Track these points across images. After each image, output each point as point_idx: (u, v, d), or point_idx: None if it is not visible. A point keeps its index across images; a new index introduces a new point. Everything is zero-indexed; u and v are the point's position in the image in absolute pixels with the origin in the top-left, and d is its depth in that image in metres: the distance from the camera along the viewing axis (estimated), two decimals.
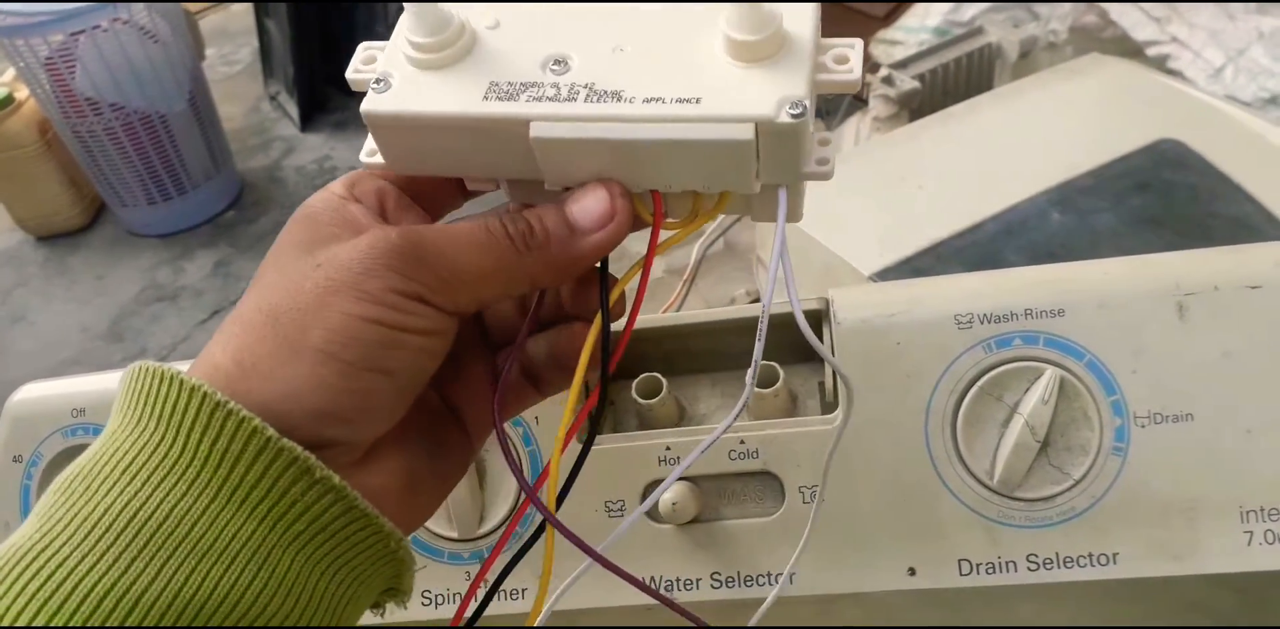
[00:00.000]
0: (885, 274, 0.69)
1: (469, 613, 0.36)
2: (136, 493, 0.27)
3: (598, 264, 0.34)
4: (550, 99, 0.32)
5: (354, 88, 0.34)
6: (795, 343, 0.49)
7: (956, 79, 1.08)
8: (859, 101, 1.10)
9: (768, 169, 0.32)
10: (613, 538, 0.36)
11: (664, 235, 0.34)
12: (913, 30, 1.45)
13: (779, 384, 0.46)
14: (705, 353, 0.50)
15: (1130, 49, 1.28)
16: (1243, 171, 0.77)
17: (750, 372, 0.35)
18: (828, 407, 0.47)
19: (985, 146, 0.84)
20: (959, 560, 0.44)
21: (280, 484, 0.28)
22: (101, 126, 2.06)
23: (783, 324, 0.48)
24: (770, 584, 0.45)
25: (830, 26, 0.32)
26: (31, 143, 2.14)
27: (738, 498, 0.46)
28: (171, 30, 2.08)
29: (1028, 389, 0.43)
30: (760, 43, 0.31)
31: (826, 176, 0.32)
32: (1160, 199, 0.75)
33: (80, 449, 0.51)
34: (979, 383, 0.44)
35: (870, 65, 1.30)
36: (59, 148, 2.17)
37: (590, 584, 0.40)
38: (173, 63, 2.09)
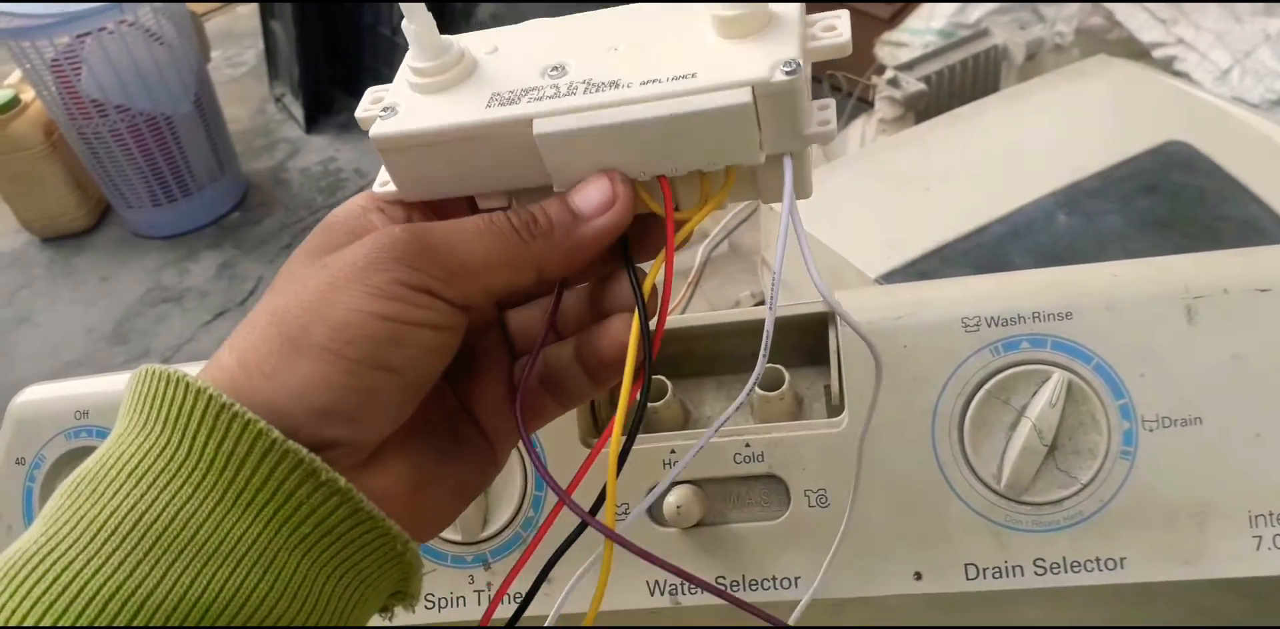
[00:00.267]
0: (891, 276, 0.68)
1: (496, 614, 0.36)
2: (142, 496, 0.27)
3: (625, 262, 0.34)
4: (550, 97, 0.32)
5: (365, 126, 0.35)
6: (801, 345, 0.49)
7: (963, 81, 1.07)
8: (865, 104, 1.10)
9: (771, 136, 0.32)
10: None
11: (669, 233, 0.34)
12: (918, 32, 1.45)
13: (784, 387, 0.46)
14: (710, 356, 0.50)
15: (1136, 51, 1.28)
16: (1250, 173, 0.77)
17: (760, 362, 0.34)
18: (834, 410, 0.47)
19: (992, 149, 0.84)
20: (966, 565, 0.43)
21: (286, 487, 0.28)
22: (107, 128, 2.07)
23: (789, 327, 0.48)
24: (776, 588, 0.45)
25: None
26: (37, 144, 2.15)
27: (743, 501, 0.46)
28: (177, 32, 2.09)
29: (1035, 392, 0.43)
30: (748, 16, 0.32)
31: (830, 136, 0.33)
32: (1168, 201, 0.75)
33: (83, 451, 0.51)
34: (986, 386, 0.43)
35: (876, 67, 1.29)
36: (64, 149, 2.18)
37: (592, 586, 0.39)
38: (178, 65, 2.10)
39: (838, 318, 0.46)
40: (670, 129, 0.31)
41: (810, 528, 0.44)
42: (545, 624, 0.38)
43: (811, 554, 0.44)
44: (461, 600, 0.48)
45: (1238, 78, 1.22)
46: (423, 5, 0.33)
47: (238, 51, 2.83)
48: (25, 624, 0.25)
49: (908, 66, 1.06)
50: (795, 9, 0.33)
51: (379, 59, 2.33)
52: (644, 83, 0.32)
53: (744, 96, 0.31)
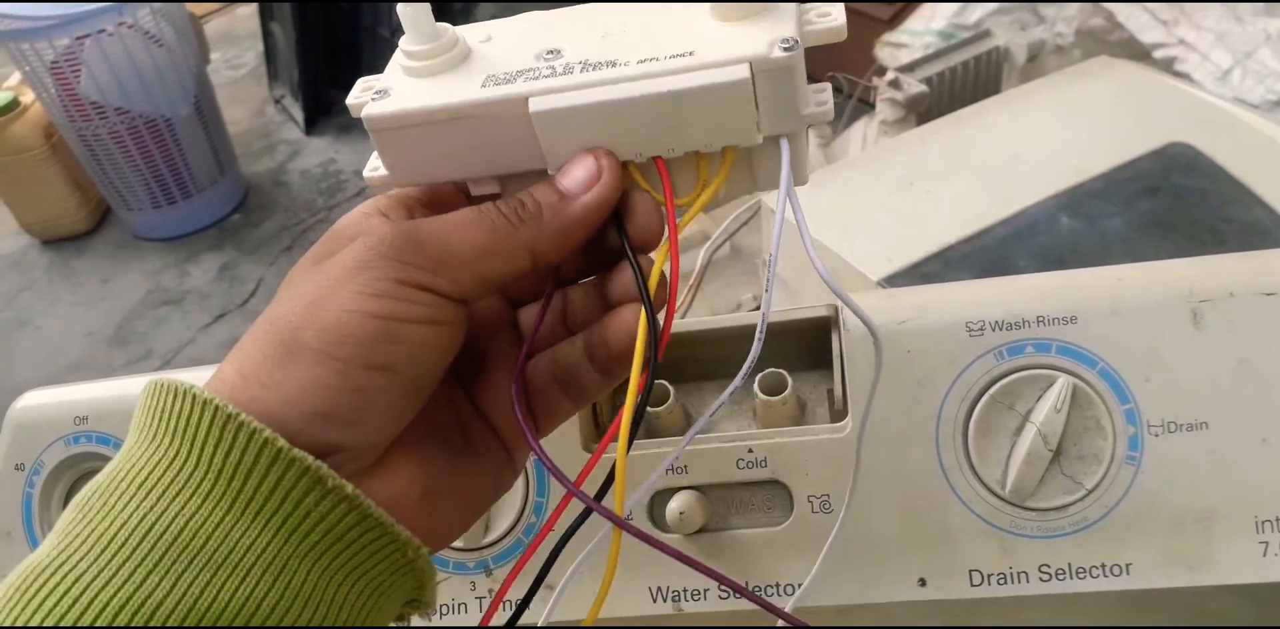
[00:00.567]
0: (894, 279, 0.68)
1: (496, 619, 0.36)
2: (152, 507, 0.27)
3: (624, 247, 0.33)
4: (546, 77, 0.33)
5: (356, 113, 0.34)
6: (803, 350, 0.49)
7: (964, 83, 1.07)
8: (865, 105, 1.10)
9: (768, 116, 0.32)
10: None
11: (669, 218, 0.34)
12: (918, 33, 1.45)
13: (787, 391, 0.46)
14: (712, 360, 0.50)
15: (1137, 51, 1.28)
16: (1253, 175, 0.76)
17: (750, 358, 0.34)
18: (837, 414, 0.47)
19: (994, 150, 0.83)
20: (970, 571, 0.43)
21: (293, 495, 0.28)
22: (107, 130, 2.07)
23: (790, 330, 0.48)
24: (780, 594, 0.44)
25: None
26: (37, 147, 2.15)
27: (746, 507, 0.46)
28: (176, 34, 2.09)
29: (1040, 397, 0.43)
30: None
31: (828, 116, 0.33)
32: (1171, 203, 0.75)
33: (83, 457, 0.51)
34: (990, 391, 0.43)
35: (876, 69, 1.29)
36: (64, 152, 2.18)
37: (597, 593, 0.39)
38: (178, 67, 2.10)
39: (840, 321, 0.46)
40: (668, 106, 0.31)
41: (814, 534, 0.44)
42: (539, 624, 0.38)
43: (813, 561, 0.44)
44: (463, 607, 0.47)
45: (1239, 78, 1.22)
46: None
47: (237, 53, 2.83)
48: None
49: (909, 68, 1.06)
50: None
51: (378, 60, 2.32)
52: (641, 61, 0.32)
53: (742, 73, 0.31)
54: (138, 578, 0.26)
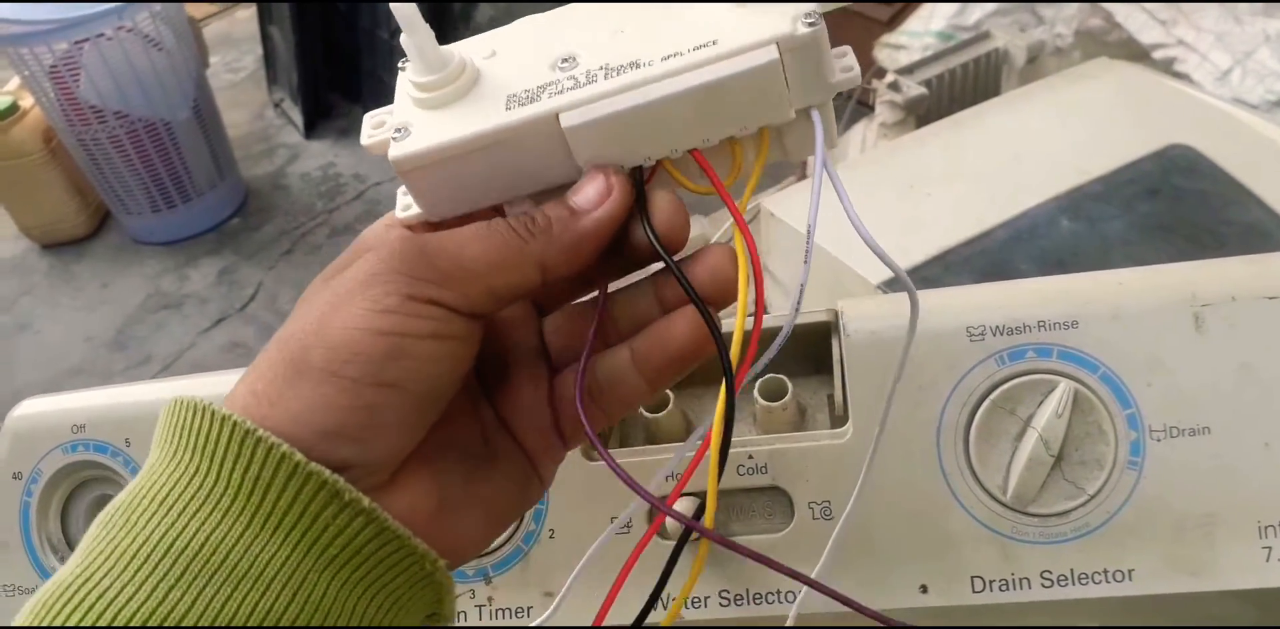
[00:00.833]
0: (893, 283, 0.68)
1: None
2: (173, 524, 0.27)
3: (660, 251, 0.32)
4: (571, 89, 0.32)
5: (374, 152, 0.34)
6: (803, 355, 0.49)
7: (964, 84, 1.07)
8: (865, 108, 1.10)
9: (798, 90, 0.32)
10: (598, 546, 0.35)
11: (729, 205, 0.33)
12: (916, 34, 1.45)
13: (787, 397, 0.46)
14: (712, 364, 0.49)
15: (1136, 52, 1.28)
16: (1254, 177, 0.76)
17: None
18: (837, 420, 0.47)
19: (993, 153, 0.83)
20: (972, 577, 0.43)
21: (311, 509, 0.28)
22: (106, 134, 2.07)
23: (790, 335, 0.48)
24: (780, 602, 0.44)
25: (833, 31, 0.32)
26: (36, 151, 2.15)
27: (746, 514, 0.46)
28: (176, 38, 2.09)
29: (1041, 402, 0.42)
30: None
31: (856, 81, 0.33)
32: (1171, 205, 0.75)
33: (80, 465, 0.51)
34: (992, 396, 0.43)
35: (875, 70, 1.29)
36: (63, 156, 2.18)
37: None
38: (177, 70, 2.10)
39: (840, 325, 0.46)
40: (700, 100, 0.31)
41: (814, 540, 0.44)
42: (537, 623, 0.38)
43: (813, 567, 0.44)
44: (462, 615, 0.47)
45: (1238, 79, 1.22)
46: (421, 18, 0.32)
47: (236, 57, 2.83)
48: None
49: (908, 70, 1.06)
50: None
51: (377, 63, 2.33)
52: (665, 58, 0.31)
53: (770, 54, 0.30)
54: (160, 593, 0.26)
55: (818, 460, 0.44)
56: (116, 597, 0.26)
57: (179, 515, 0.28)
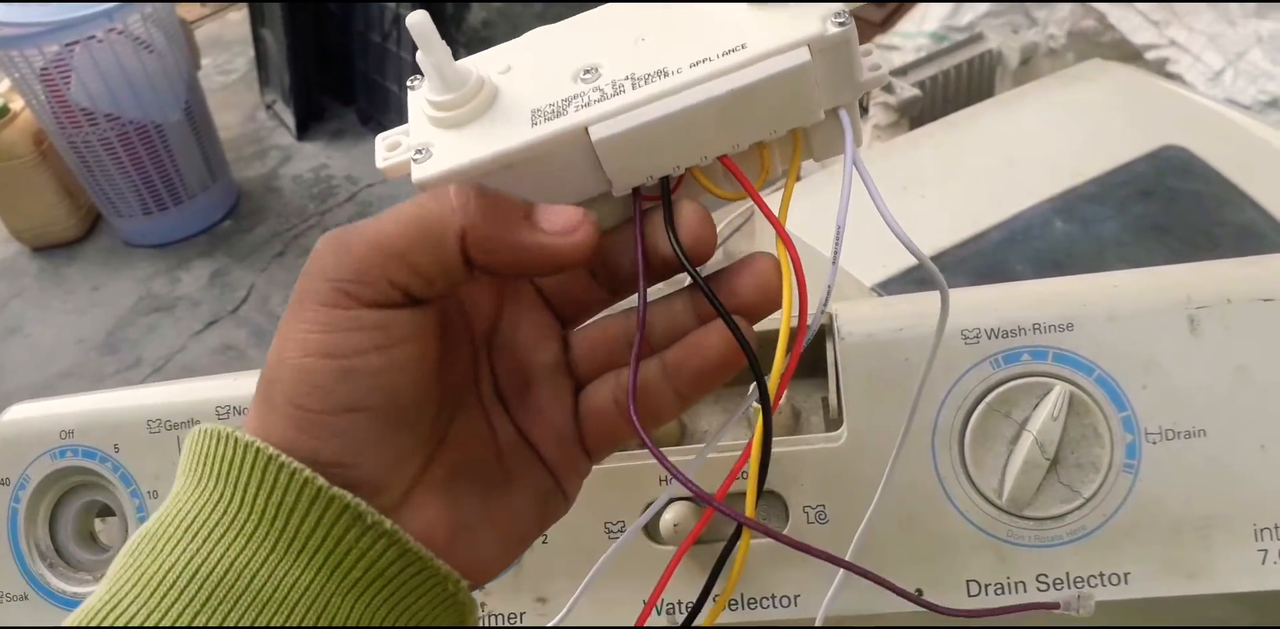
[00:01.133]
0: (888, 285, 0.68)
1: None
2: (199, 550, 0.28)
3: (686, 264, 0.32)
4: (598, 101, 0.31)
5: (391, 176, 0.33)
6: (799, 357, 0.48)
7: (957, 86, 1.07)
8: (859, 109, 1.09)
9: (828, 91, 0.31)
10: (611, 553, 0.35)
11: (764, 210, 0.33)
12: (910, 35, 1.45)
13: (781, 401, 0.45)
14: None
15: (1129, 53, 1.28)
16: (1248, 178, 0.76)
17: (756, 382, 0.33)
18: (831, 424, 0.46)
19: (987, 154, 0.83)
20: (967, 581, 0.43)
21: (334, 532, 0.28)
22: (97, 137, 2.06)
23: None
24: (776, 607, 0.44)
25: None
26: (27, 153, 2.14)
27: None
28: (167, 40, 2.08)
29: (1036, 405, 0.42)
30: None
31: (883, 80, 0.32)
32: (1165, 206, 0.75)
33: (69, 471, 0.50)
34: (987, 399, 0.43)
35: None
36: (54, 158, 2.17)
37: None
38: (168, 72, 2.09)
39: (835, 328, 0.45)
40: (730, 106, 0.30)
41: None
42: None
43: (812, 572, 0.44)
44: None
45: (1230, 79, 1.22)
46: (438, 35, 0.31)
47: (228, 58, 2.82)
48: None
49: (901, 72, 1.06)
50: None
51: (370, 65, 2.32)
52: (694, 65, 0.31)
53: (802, 56, 0.30)
54: (186, 619, 0.27)
55: (812, 464, 0.44)
56: (144, 623, 0.27)
57: (204, 542, 0.28)
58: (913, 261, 0.71)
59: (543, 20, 0.35)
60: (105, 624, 0.27)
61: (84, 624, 0.27)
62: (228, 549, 0.28)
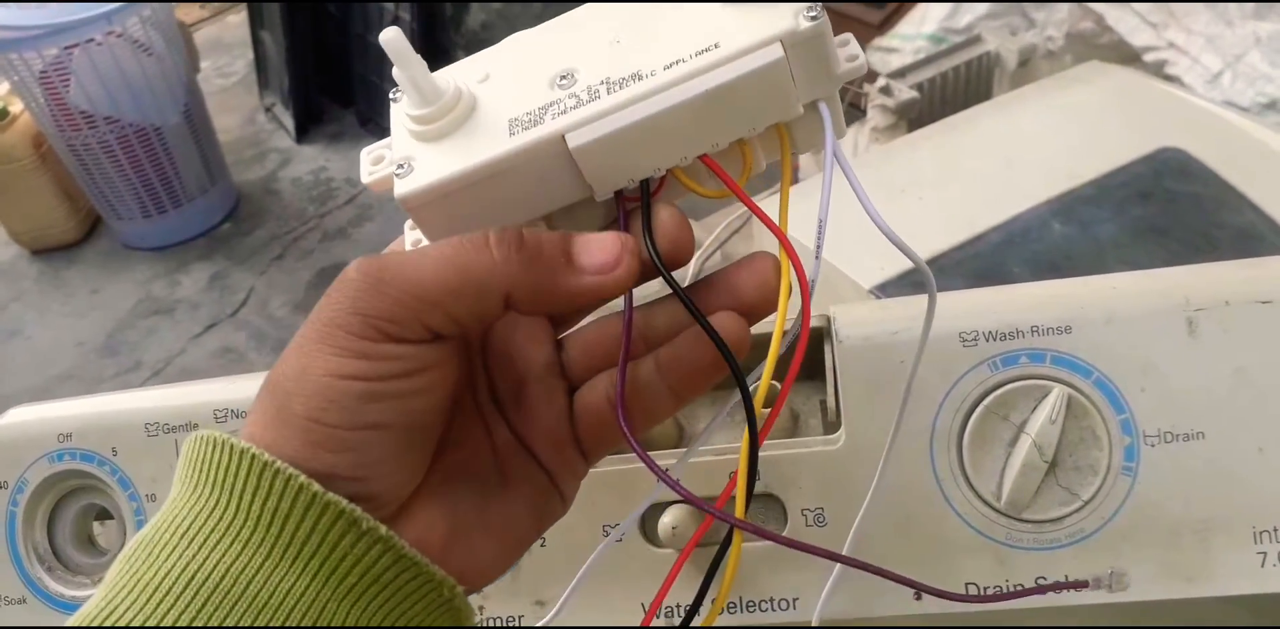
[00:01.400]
0: (885, 288, 0.68)
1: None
2: (194, 556, 0.28)
3: (661, 270, 0.32)
4: (574, 108, 0.31)
5: (377, 190, 0.33)
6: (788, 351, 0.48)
7: (955, 88, 1.07)
8: (857, 112, 1.09)
9: (804, 85, 0.31)
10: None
11: (751, 207, 0.33)
12: (908, 38, 1.45)
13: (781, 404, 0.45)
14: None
15: (1127, 55, 1.28)
16: (1245, 179, 0.76)
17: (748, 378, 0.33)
18: (830, 426, 0.46)
19: (985, 157, 0.83)
20: (966, 584, 0.43)
21: (330, 538, 0.28)
22: (96, 140, 2.06)
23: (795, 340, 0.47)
24: (774, 610, 0.44)
25: None
26: (26, 156, 2.14)
27: None
28: (166, 43, 2.08)
29: (1035, 408, 0.42)
30: None
31: (862, 69, 0.32)
32: (1163, 208, 0.75)
33: (67, 474, 0.50)
34: (985, 402, 0.43)
35: (868, 75, 1.29)
36: (53, 161, 2.17)
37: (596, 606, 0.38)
38: (167, 75, 2.09)
39: (833, 331, 0.45)
40: (712, 105, 0.30)
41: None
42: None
43: (810, 574, 0.44)
44: None
45: (1228, 81, 1.22)
46: (412, 50, 0.31)
47: (227, 61, 2.82)
48: None
49: (900, 74, 1.06)
50: None
51: (369, 68, 2.32)
52: (668, 66, 0.31)
53: (775, 53, 0.30)
54: (182, 624, 0.27)
55: (810, 467, 0.44)
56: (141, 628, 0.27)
57: (200, 548, 0.28)
58: (909, 265, 0.71)
59: (542, 22, 0.35)
60: None
61: None
62: (224, 555, 0.28)
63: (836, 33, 0.32)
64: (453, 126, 0.32)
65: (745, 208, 0.34)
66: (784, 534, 0.44)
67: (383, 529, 0.29)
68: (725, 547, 0.34)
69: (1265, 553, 0.41)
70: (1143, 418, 0.42)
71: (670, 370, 0.33)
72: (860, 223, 0.33)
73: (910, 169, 0.84)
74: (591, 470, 0.36)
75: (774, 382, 0.45)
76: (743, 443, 0.33)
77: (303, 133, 2.48)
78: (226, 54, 2.85)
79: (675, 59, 0.31)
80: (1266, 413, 0.41)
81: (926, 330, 0.37)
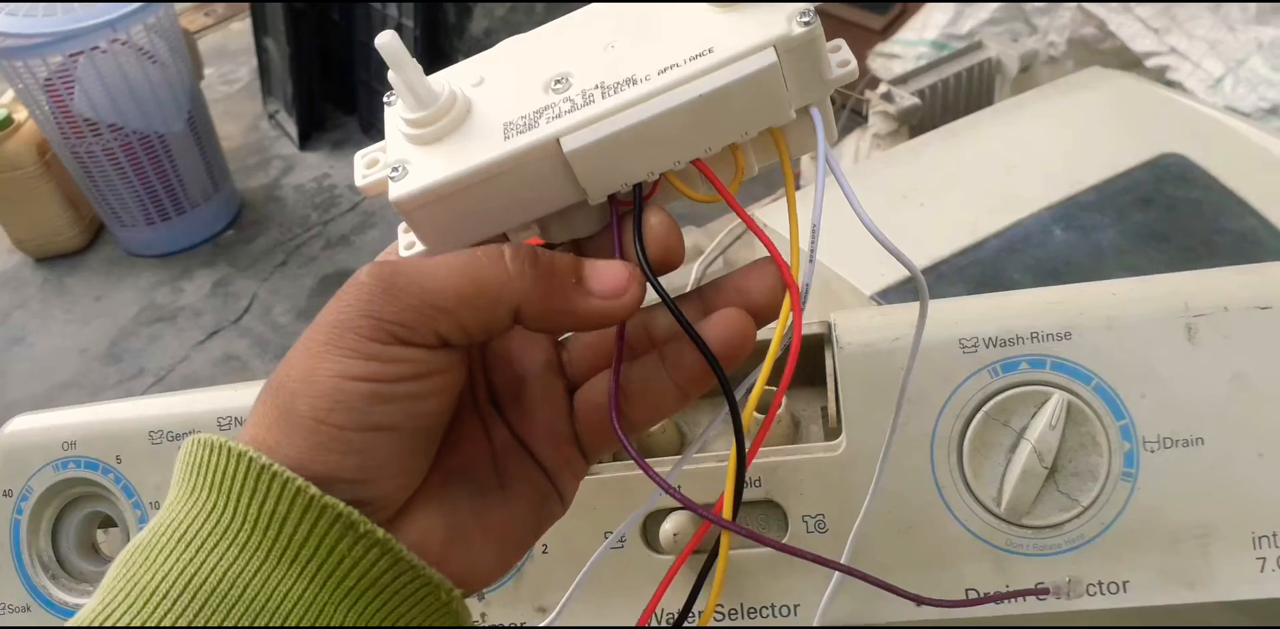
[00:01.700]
0: (887, 294, 0.68)
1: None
2: (191, 559, 0.28)
3: (650, 278, 0.32)
4: (569, 112, 0.31)
5: (370, 193, 0.33)
6: (796, 366, 0.48)
7: (957, 94, 1.07)
8: (858, 116, 1.10)
9: (797, 90, 0.32)
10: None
11: (740, 214, 0.34)
12: (910, 44, 1.45)
13: (780, 410, 0.45)
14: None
15: (1129, 60, 1.28)
16: (1246, 185, 0.76)
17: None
18: (830, 433, 0.46)
19: (987, 163, 0.83)
20: (966, 590, 0.43)
21: (327, 541, 0.28)
22: (100, 147, 2.07)
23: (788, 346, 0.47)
24: (775, 615, 0.44)
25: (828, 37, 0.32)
26: (30, 164, 2.15)
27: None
28: (170, 51, 2.09)
29: (1035, 414, 0.42)
30: None
31: (853, 75, 0.32)
32: (1164, 214, 0.75)
33: (71, 482, 0.50)
34: (985, 408, 0.43)
35: (869, 80, 1.29)
36: (58, 169, 2.18)
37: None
38: (171, 83, 2.10)
39: (833, 337, 0.45)
40: (705, 109, 0.31)
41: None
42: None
43: (810, 580, 0.44)
44: None
45: (1230, 86, 1.22)
46: (407, 53, 0.32)
47: (231, 69, 2.83)
48: None
49: (901, 80, 1.06)
50: None
51: (372, 75, 2.33)
52: (662, 71, 0.31)
53: (769, 58, 0.30)
54: (180, 628, 0.27)
55: (811, 473, 0.44)
56: None
57: (197, 551, 0.28)
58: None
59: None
60: None
61: None
62: (221, 559, 0.28)
63: (839, 38, 0.33)
64: (447, 130, 0.32)
65: (748, 213, 0.34)
66: (785, 541, 0.44)
67: (380, 532, 0.29)
68: (715, 553, 0.34)
69: (1264, 558, 0.41)
70: (1142, 424, 0.42)
71: (675, 367, 0.34)
72: (861, 229, 0.33)
73: (912, 175, 0.84)
74: (592, 477, 0.36)
75: (770, 387, 0.46)
76: (731, 453, 0.33)
77: (306, 140, 2.49)
78: (230, 61, 2.86)
79: (669, 63, 0.31)
80: (1265, 418, 0.42)
81: (919, 333, 0.37)
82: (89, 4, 1.94)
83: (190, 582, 0.27)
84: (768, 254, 0.34)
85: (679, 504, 0.45)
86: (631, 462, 0.46)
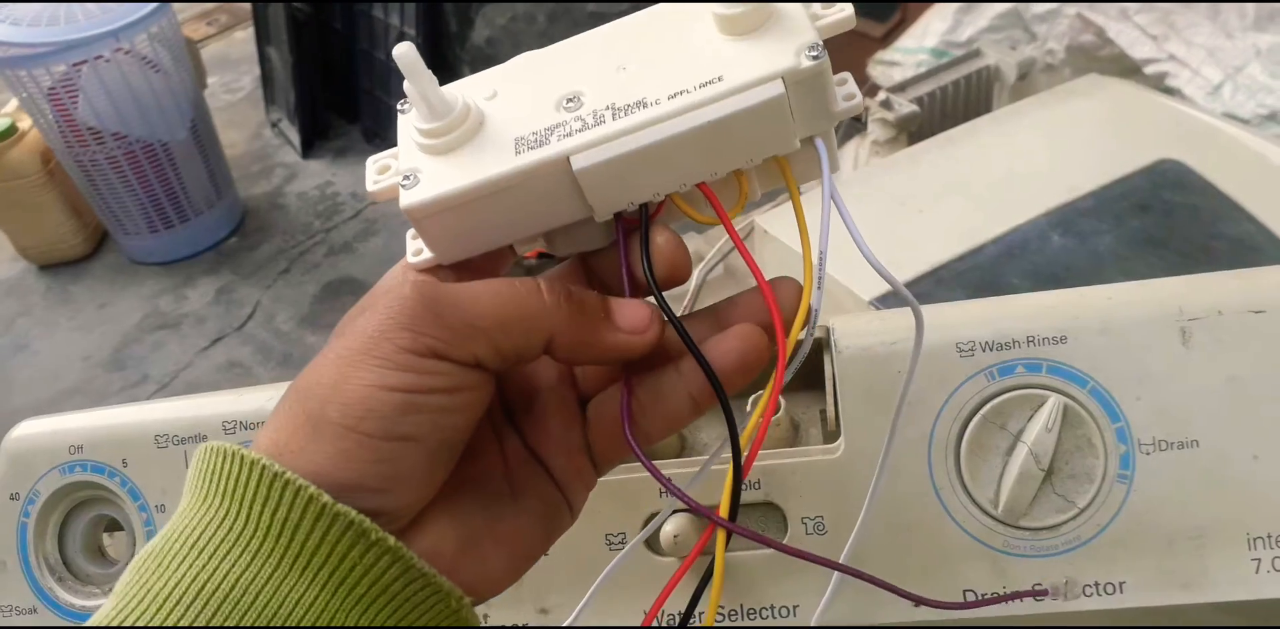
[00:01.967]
0: (885, 299, 0.68)
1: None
2: (204, 566, 0.28)
3: (655, 292, 0.33)
4: (579, 131, 0.32)
5: (380, 199, 0.34)
6: (798, 370, 0.49)
7: (955, 102, 1.08)
8: (858, 124, 1.10)
9: (803, 120, 0.32)
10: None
11: (735, 240, 0.34)
12: (910, 51, 1.46)
13: (780, 413, 0.46)
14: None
15: (1128, 67, 1.29)
16: (1244, 191, 0.77)
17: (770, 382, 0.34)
18: (830, 436, 0.47)
19: (985, 169, 0.84)
20: (964, 591, 0.43)
21: (339, 549, 0.29)
22: (104, 156, 2.07)
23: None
24: (774, 617, 0.44)
25: (829, 48, 0.33)
26: (34, 172, 2.15)
27: None
28: (173, 59, 2.09)
29: (1031, 417, 0.43)
30: (752, 12, 0.32)
31: (857, 109, 0.33)
32: (1161, 220, 0.75)
33: (78, 486, 0.51)
34: (982, 411, 0.43)
35: (869, 88, 1.30)
36: (62, 177, 2.18)
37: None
38: (174, 92, 2.11)
39: (832, 341, 0.46)
40: (708, 137, 0.31)
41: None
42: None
43: (810, 582, 0.44)
44: None
45: (1229, 93, 1.23)
46: (423, 64, 0.32)
47: (234, 77, 2.84)
48: None
49: (900, 88, 1.07)
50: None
51: (375, 83, 2.33)
52: (672, 96, 0.32)
53: (776, 89, 0.31)
54: None
55: (810, 476, 0.45)
56: None
57: (210, 558, 0.28)
58: (909, 277, 0.72)
59: (546, 39, 0.36)
60: None
61: None
62: (233, 565, 0.28)
63: (839, 47, 0.33)
64: (460, 141, 0.33)
65: (748, 221, 0.35)
66: (784, 542, 0.45)
67: (391, 540, 0.29)
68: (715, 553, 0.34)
69: (1259, 559, 0.42)
70: (1138, 426, 0.42)
71: (691, 379, 0.34)
72: (861, 234, 0.34)
73: (910, 182, 0.84)
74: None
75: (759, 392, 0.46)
76: (728, 470, 0.34)
77: (308, 148, 2.49)
78: (233, 70, 2.86)
79: (679, 89, 0.32)
80: (1260, 421, 0.42)
81: (916, 352, 0.38)
82: (92, 14, 1.95)
83: (203, 587, 0.28)
84: (782, 269, 0.35)
85: (676, 507, 0.46)
86: (632, 465, 0.47)
